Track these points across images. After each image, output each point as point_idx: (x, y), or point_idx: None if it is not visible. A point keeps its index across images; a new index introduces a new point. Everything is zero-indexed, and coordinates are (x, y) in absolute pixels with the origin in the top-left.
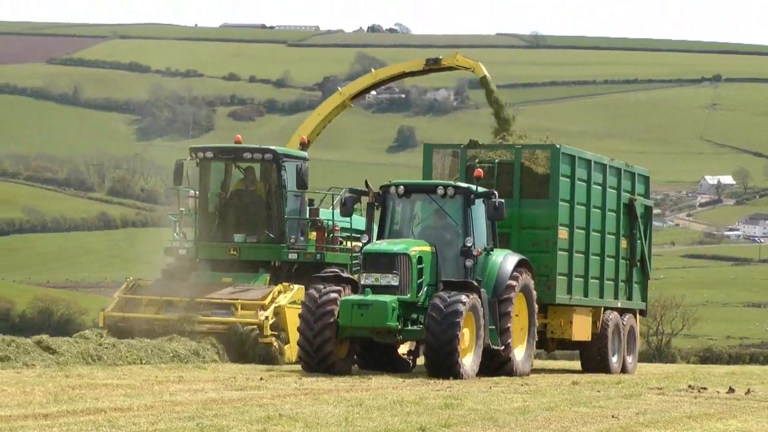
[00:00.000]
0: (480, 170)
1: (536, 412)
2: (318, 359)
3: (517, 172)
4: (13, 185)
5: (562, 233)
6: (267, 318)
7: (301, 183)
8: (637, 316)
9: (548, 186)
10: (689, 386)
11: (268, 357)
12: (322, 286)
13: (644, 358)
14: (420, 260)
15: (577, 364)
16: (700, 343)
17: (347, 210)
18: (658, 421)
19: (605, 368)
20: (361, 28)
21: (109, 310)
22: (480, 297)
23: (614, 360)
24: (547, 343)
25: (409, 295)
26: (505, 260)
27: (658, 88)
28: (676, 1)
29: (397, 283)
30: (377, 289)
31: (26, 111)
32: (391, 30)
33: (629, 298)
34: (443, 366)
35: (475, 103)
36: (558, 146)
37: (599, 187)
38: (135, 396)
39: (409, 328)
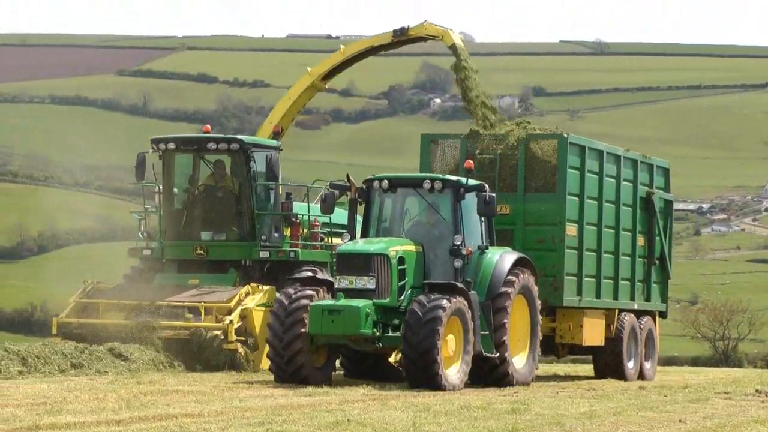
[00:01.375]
0: (470, 161)
1: (603, 416)
2: (290, 372)
3: (521, 164)
4: (85, 195)
5: (571, 230)
6: (231, 322)
7: (272, 175)
8: (657, 318)
9: (555, 179)
10: (756, 391)
11: (234, 364)
12: (292, 291)
13: (711, 363)
14: (402, 261)
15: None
16: (766, 347)
17: (328, 206)
18: (725, 425)
19: (620, 374)
20: None
21: (63, 316)
22: (467, 300)
23: (630, 366)
24: (557, 348)
25: (388, 299)
26: (502, 259)
27: (722, 93)
28: (739, 6)
29: (373, 287)
30: (352, 293)
31: (96, 122)
32: None
33: (647, 300)
34: (422, 377)
35: (540, 110)
36: (566, 135)
37: (613, 180)
38: (205, 402)
39: (390, 334)
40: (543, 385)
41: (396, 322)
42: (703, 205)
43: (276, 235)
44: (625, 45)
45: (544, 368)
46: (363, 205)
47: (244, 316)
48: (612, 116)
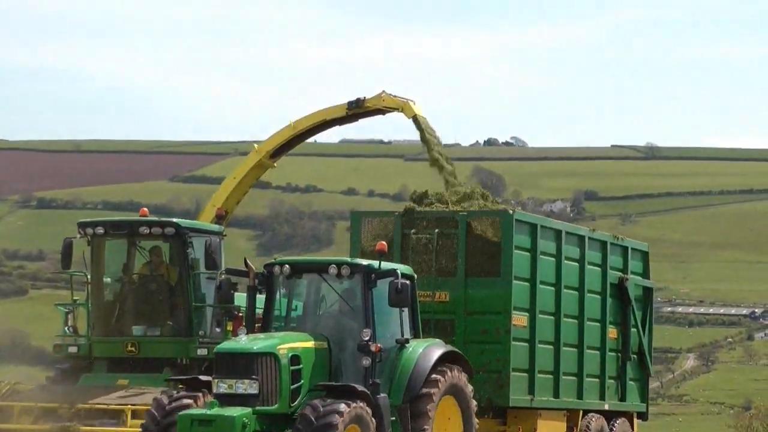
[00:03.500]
0: (384, 243)
1: None
2: None
3: (461, 245)
4: None
5: (519, 320)
6: None
7: (211, 263)
8: (634, 420)
9: (500, 261)
10: None
11: None
12: (166, 398)
13: None
14: (296, 360)
15: None
16: None
17: (224, 295)
18: None
19: None
20: (477, 141)
21: None
22: (371, 405)
23: None
24: None
25: (276, 406)
26: (425, 354)
27: None
28: None
29: (256, 391)
30: (231, 400)
31: None
32: (507, 143)
33: (622, 399)
34: None
35: (592, 214)
36: (511, 211)
37: (575, 264)
38: None
39: None
40: None
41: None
42: (756, 310)
43: (217, 329)
44: (677, 150)
45: None
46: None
47: None
48: (664, 220)
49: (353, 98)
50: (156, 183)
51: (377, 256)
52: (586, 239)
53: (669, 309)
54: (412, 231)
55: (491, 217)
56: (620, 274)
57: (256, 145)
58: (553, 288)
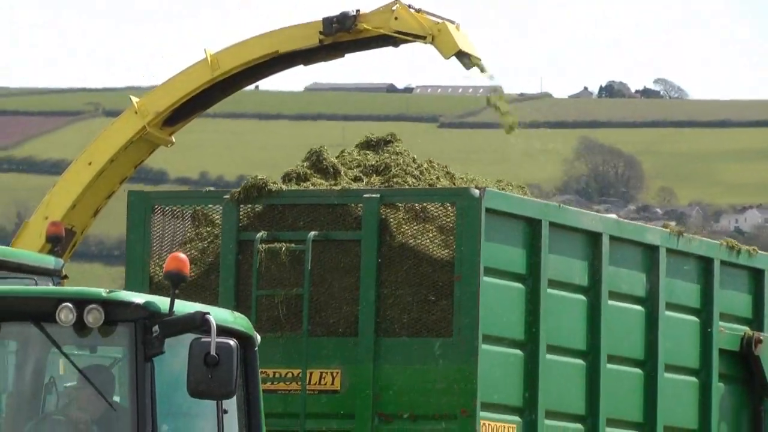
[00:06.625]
0: (179, 255)
1: None
2: None
3: (368, 263)
4: None
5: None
6: None
7: None
8: None
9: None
10: None
11: None
12: None
13: None
14: None
15: None
16: None
17: None
18: None
19: None
20: (585, 88)
21: None
22: None
23: None
24: None
25: None
26: None
27: None
28: None
29: None
30: None
31: None
32: (642, 91)
33: None
34: None
35: None
36: (477, 192)
37: (636, 308)
38: None
39: None
40: None
41: None
42: None
43: None
44: None
45: None
46: None
47: None
48: None
49: (334, 13)
50: None
51: (169, 281)
52: (662, 253)
53: None
54: (260, 235)
55: (436, 202)
56: (746, 329)
57: (134, 99)
58: (581, 361)
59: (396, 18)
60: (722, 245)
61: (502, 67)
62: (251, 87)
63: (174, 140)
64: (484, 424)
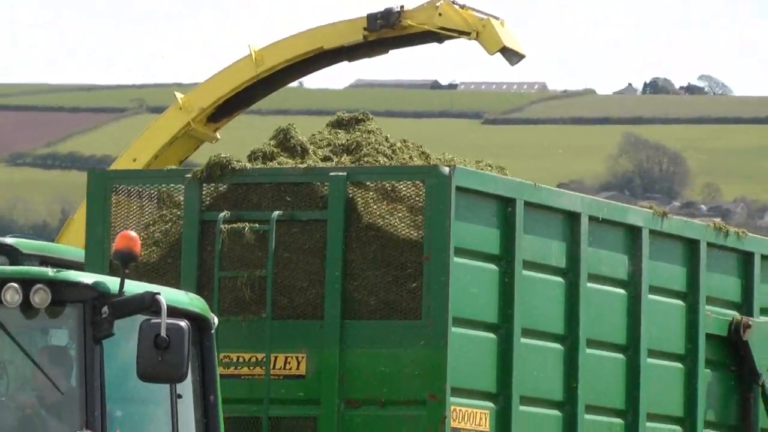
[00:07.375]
0: (129, 234)
1: None
2: None
3: (335, 244)
4: None
5: (469, 415)
6: None
7: None
8: None
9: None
10: None
11: None
12: None
13: None
14: None
15: None
16: None
17: None
18: None
19: None
20: (630, 84)
21: None
22: None
23: None
24: None
25: None
26: None
27: None
28: None
29: None
30: None
31: None
32: (687, 88)
33: None
34: None
35: None
36: (447, 170)
37: (619, 291)
38: None
39: None
40: None
41: None
42: None
43: None
44: None
45: None
46: None
47: None
48: None
49: (378, 10)
50: None
51: (118, 260)
52: (645, 234)
53: None
54: (222, 215)
55: (405, 180)
56: (735, 314)
57: (179, 96)
58: (558, 345)
59: (440, 14)
60: (709, 227)
61: (548, 62)
62: (295, 84)
63: (219, 136)
64: (454, 409)
